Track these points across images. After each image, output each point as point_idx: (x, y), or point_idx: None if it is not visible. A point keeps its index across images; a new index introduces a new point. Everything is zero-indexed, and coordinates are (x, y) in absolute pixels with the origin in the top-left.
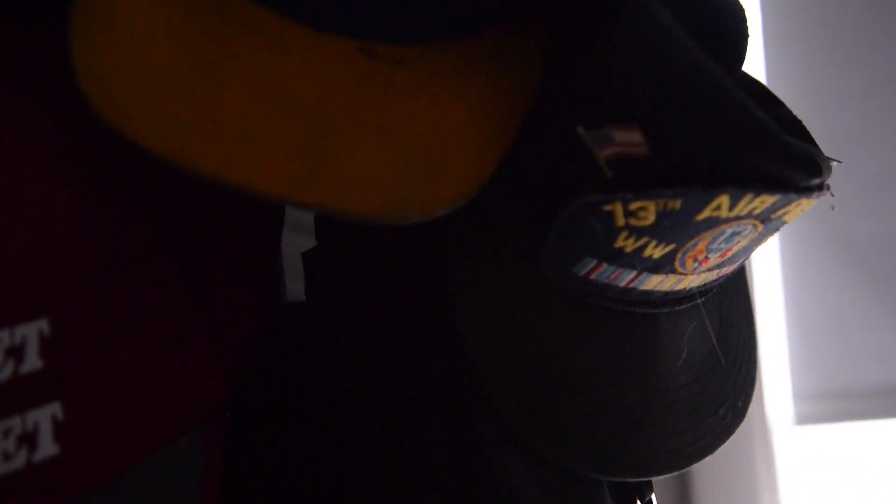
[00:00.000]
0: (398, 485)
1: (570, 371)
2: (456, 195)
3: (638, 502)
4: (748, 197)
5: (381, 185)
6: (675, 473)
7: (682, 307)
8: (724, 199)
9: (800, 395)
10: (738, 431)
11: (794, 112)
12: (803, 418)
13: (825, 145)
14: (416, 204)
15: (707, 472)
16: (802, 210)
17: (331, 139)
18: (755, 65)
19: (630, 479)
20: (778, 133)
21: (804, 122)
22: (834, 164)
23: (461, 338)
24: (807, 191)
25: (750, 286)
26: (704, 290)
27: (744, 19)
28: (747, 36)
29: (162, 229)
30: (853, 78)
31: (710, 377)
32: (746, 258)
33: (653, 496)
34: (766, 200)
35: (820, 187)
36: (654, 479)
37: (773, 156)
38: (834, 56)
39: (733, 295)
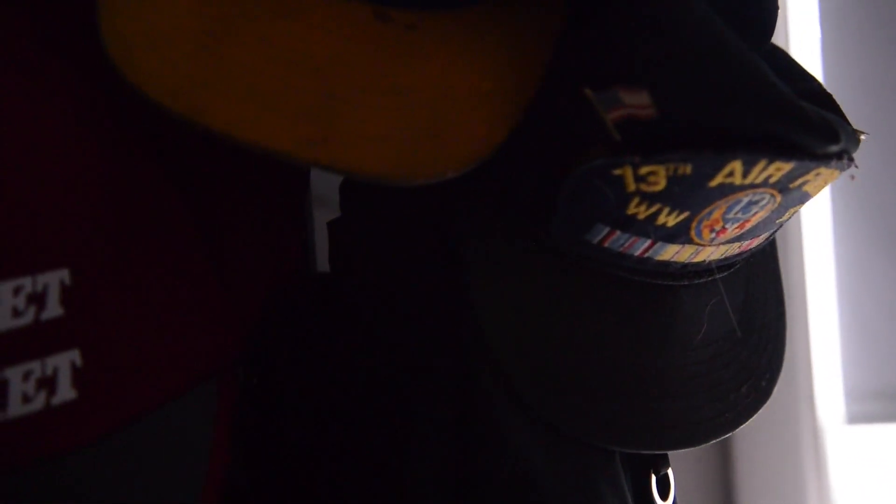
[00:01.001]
0: (401, 450)
1: (584, 340)
2: (466, 158)
3: (652, 476)
4: (762, 163)
5: (390, 145)
6: (691, 449)
7: (703, 281)
8: (736, 165)
9: (851, 394)
10: (786, 430)
11: (852, 110)
12: (855, 418)
13: (883, 138)
14: (425, 165)
15: (753, 471)
16: (826, 182)
17: (342, 100)
18: (812, 60)
19: (643, 452)
20: (792, 98)
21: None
22: (862, 136)
23: (473, 307)
24: (824, 158)
25: (803, 282)
26: (727, 265)
27: None
28: (776, 8)
29: (182, 188)
30: None
31: (732, 354)
32: (770, 232)
33: (669, 471)
34: (782, 168)
35: (839, 156)
36: (670, 452)
37: (786, 120)
38: (893, 48)
39: (762, 273)
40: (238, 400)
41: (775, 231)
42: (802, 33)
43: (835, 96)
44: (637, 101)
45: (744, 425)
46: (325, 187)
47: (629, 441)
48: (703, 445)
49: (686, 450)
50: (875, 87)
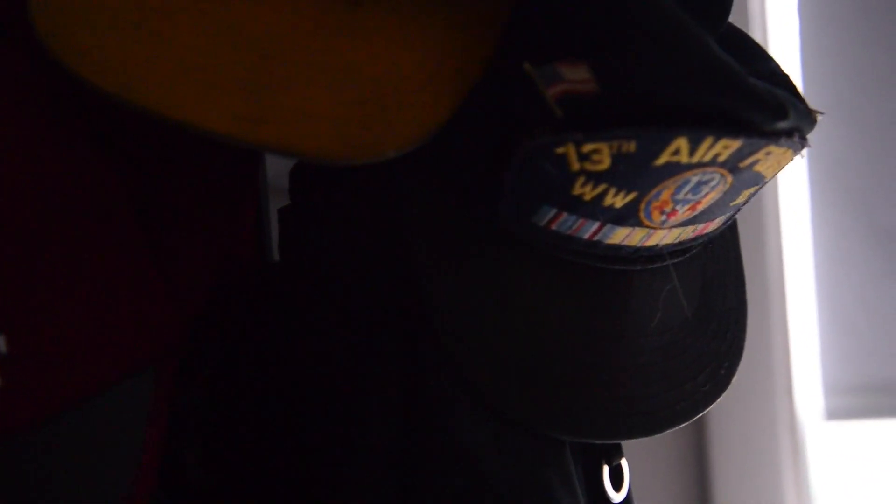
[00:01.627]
0: (347, 437)
1: (534, 326)
2: (408, 138)
3: (605, 466)
4: (708, 140)
5: (328, 125)
6: (647, 438)
7: (657, 266)
8: (681, 143)
9: (830, 389)
10: (764, 425)
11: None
12: (833, 413)
13: (863, 131)
14: (366, 145)
15: (730, 467)
16: (779, 163)
17: (280, 78)
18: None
19: (594, 441)
20: (739, 73)
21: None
22: (818, 116)
23: (422, 292)
24: (772, 136)
25: (781, 275)
26: (682, 250)
27: None
28: None
29: (121, 172)
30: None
31: (688, 341)
32: (726, 215)
33: (623, 461)
34: (730, 145)
35: (789, 133)
36: (623, 442)
37: (731, 95)
38: (871, 42)
39: (721, 259)
40: (188, 391)
41: (732, 215)
42: (781, 26)
43: (815, 90)
44: (578, 76)
45: (720, 425)
46: (284, 176)
47: (578, 429)
48: (662, 434)
49: (660, 445)
50: (855, 80)
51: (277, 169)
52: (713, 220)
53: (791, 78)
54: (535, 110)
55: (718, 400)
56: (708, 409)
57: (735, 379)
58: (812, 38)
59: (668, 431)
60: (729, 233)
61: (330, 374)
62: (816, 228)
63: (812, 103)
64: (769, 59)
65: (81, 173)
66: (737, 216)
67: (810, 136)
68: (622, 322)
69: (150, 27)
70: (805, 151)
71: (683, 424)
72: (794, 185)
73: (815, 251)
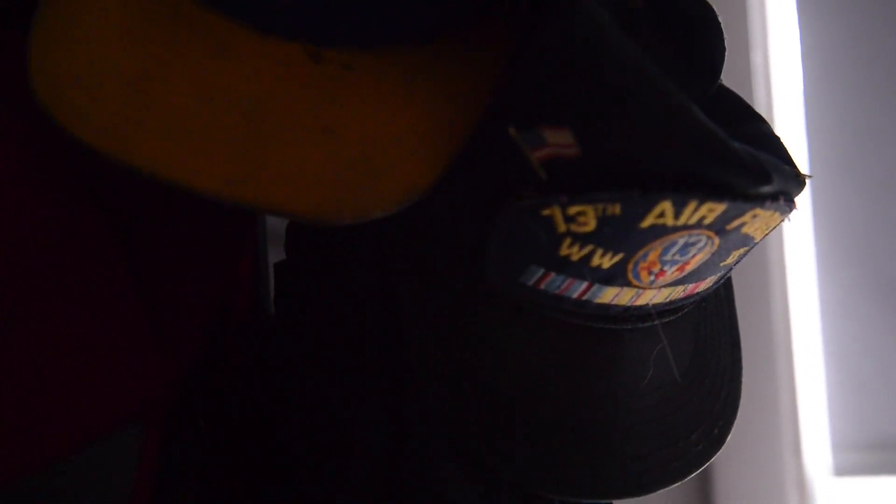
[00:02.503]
0: (331, 494)
1: (521, 384)
2: (395, 198)
3: None
4: (692, 204)
5: (316, 184)
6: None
7: (648, 325)
8: (666, 206)
9: (838, 445)
10: (771, 482)
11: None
12: (842, 470)
13: (869, 184)
14: (352, 205)
15: None
16: (768, 224)
17: (269, 139)
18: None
19: (583, 500)
20: (721, 137)
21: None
22: (807, 178)
23: (408, 350)
24: (757, 199)
25: (788, 330)
26: (673, 309)
27: (719, 33)
28: (723, 49)
29: (115, 230)
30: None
31: (681, 400)
32: (717, 275)
33: None
34: (715, 209)
35: (774, 197)
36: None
37: (713, 160)
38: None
39: (714, 317)
40: (182, 441)
41: (725, 274)
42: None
43: (820, 148)
44: (561, 140)
45: (727, 481)
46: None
47: (566, 488)
48: (668, 494)
49: (665, 502)
50: (861, 135)
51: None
52: (703, 279)
53: (781, 140)
54: (520, 173)
55: (716, 458)
56: (702, 469)
57: (742, 436)
58: (816, 92)
59: (661, 491)
60: (723, 290)
61: (316, 429)
62: (823, 283)
63: (817, 162)
64: (760, 121)
65: (72, 224)
66: (736, 271)
67: (813, 192)
68: (613, 381)
69: (147, 91)
70: (794, 213)
71: (677, 484)
72: (799, 239)
73: (822, 306)
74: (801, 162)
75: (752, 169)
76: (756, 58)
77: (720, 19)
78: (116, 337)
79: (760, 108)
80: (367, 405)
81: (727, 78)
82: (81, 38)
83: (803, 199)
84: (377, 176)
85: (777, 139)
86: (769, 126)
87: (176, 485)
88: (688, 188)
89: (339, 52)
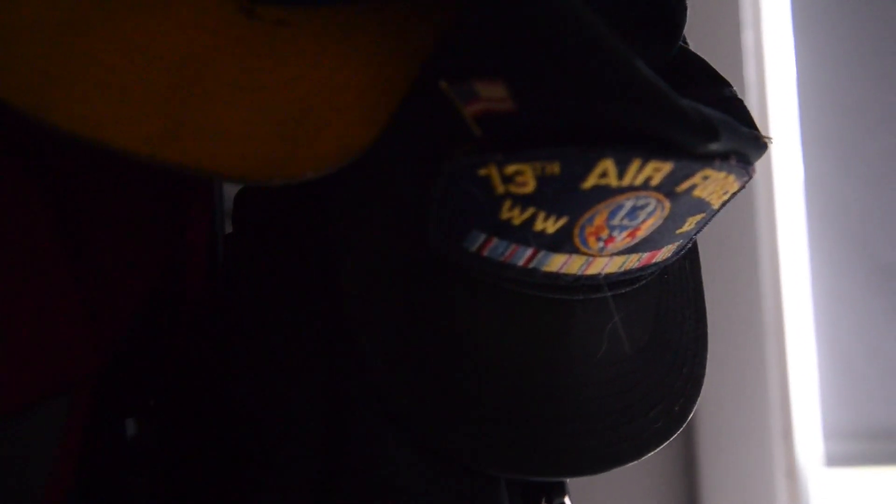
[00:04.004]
0: (267, 468)
1: (468, 355)
2: (328, 158)
3: None
4: (636, 162)
5: (246, 143)
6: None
7: (601, 296)
8: (608, 165)
9: (830, 434)
10: (761, 471)
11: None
12: (834, 459)
13: (861, 168)
14: (284, 165)
15: None
16: (723, 188)
17: (197, 97)
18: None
19: (530, 478)
20: (664, 91)
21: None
22: (769, 141)
23: (349, 319)
24: (705, 158)
25: (780, 315)
26: (630, 280)
27: None
28: (684, 9)
29: (44, 195)
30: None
31: (638, 375)
32: (676, 244)
33: (566, 499)
34: (661, 168)
35: (725, 156)
36: (567, 480)
37: (656, 114)
38: (872, 77)
39: (678, 292)
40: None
41: (685, 244)
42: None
43: (813, 129)
44: (494, 94)
45: (714, 470)
46: None
47: (512, 466)
48: (651, 482)
49: (650, 493)
50: (854, 119)
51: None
52: (659, 248)
53: (743, 104)
54: (455, 130)
55: (703, 446)
56: (660, 447)
57: (731, 424)
58: (810, 75)
59: (646, 481)
60: (689, 265)
61: (254, 413)
62: (815, 269)
63: (810, 148)
64: (724, 84)
65: (4, 199)
66: (727, 257)
67: (806, 177)
68: (563, 354)
69: (71, 47)
70: (753, 179)
71: (632, 462)
72: (792, 225)
73: (814, 291)
74: (794, 147)
75: (697, 124)
76: (747, 38)
77: None
78: (42, 304)
79: (752, 91)
80: (305, 379)
81: (717, 58)
82: None
83: (795, 184)
84: (309, 135)
85: (740, 102)
86: (733, 90)
87: (132, 466)
88: (629, 144)
89: (271, 8)
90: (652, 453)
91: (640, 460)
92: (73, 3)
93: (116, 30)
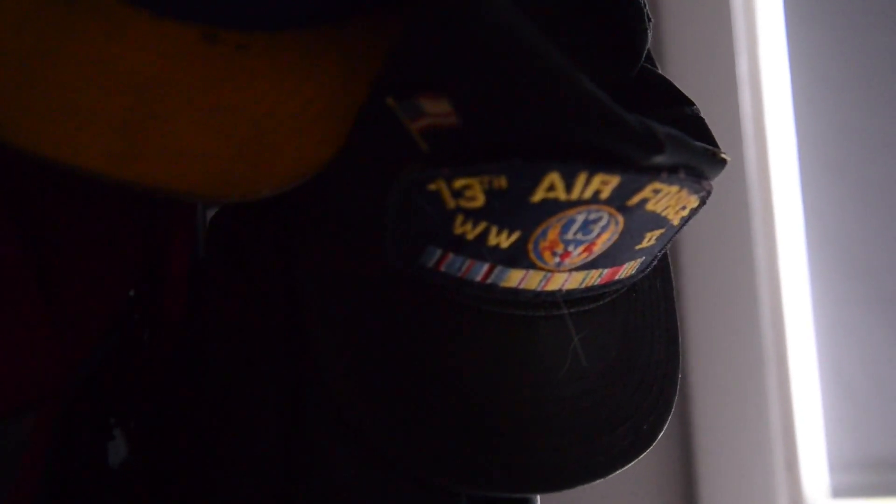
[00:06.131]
0: (222, 475)
1: (428, 372)
2: (284, 176)
3: None
4: (582, 175)
5: (203, 162)
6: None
7: (563, 312)
8: (554, 178)
9: (836, 466)
10: (766, 503)
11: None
12: (839, 491)
13: (862, 195)
14: (240, 183)
15: None
16: (678, 203)
17: (156, 118)
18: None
19: (491, 494)
20: (604, 103)
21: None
22: (724, 157)
23: (308, 332)
24: (650, 171)
25: (782, 342)
26: (593, 297)
27: (639, 15)
28: (643, 31)
29: (14, 217)
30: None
31: (604, 393)
32: (640, 260)
33: None
34: (609, 181)
35: (673, 170)
36: (535, 495)
37: (597, 126)
38: (871, 105)
39: (648, 311)
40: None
41: (650, 262)
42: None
43: (812, 158)
44: (439, 110)
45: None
46: None
47: (478, 481)
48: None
49: None
50: (854, 146)
51: None
52: (620, 264)
53: (705, 122)
54: (405, 146)
55: (704, 476)
56: (627, 466)
57: (733, 455)
58: (806, 101)
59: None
60: (660, 284)
61: (211, 413)
62: (816, 295)
63: (807, 170)
64: (686, 104)
65: None
66: (726, 282)
67: (804, 201)
68: (526, 370)
69: (35, 71)
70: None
71: (597, 480)
72: (792, 250)
73: (816, 318)
74: (791, 170)
75: (641, 137)
76: (742, 65)
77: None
78: (7, 318)
79: (747, 116)
80: (261, 394)
81: (711, 85)
82: None
83: (794, 209)
84: (266, 154)
85: (701, 120)
86: (696, 109)
87: (113, 487)
88: (573, 157)
89: (233, 33)
90: (619, 471)
91: (608, 477)
92: (39, 30)
93: (80, 55)
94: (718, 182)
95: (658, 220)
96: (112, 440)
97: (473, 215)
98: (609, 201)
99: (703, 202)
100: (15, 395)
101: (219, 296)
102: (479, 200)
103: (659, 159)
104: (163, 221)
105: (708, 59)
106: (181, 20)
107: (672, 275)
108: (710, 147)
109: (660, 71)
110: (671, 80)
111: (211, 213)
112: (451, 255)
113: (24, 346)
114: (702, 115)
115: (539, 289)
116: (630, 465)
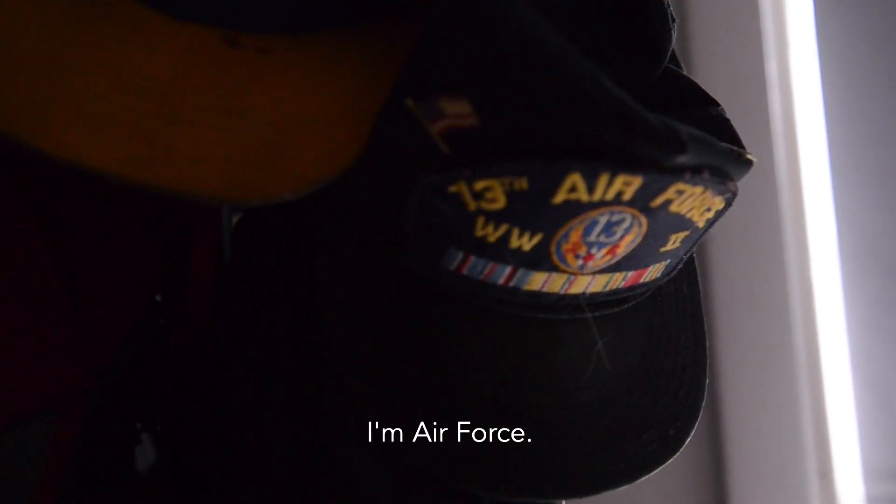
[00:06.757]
0: (241, 485)
1: (449, 376)
2: (304, 180)
3: None
4: (605, 176)
5: (222, 165)
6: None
7: (587, 316)
8: (576, 179)
9: (871, 474)
10: None
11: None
12: (875, 500)
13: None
14: (260, 186)
15: None
16: (703, 205)
17: (177, 122)
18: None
19: (514, 499)
20: (626, 103)
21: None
22: (750, 158)
23: (328, 338)
24: (673, 172)
25: (815, 347)
26: (618, 300)
27: (663, 16)
28: (667, 31)
29: (37, 212)
30: None
31: (629, 398)
32: (665, 263)
33: None
34: (631, 182)
35: (696, 170)
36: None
37: (618, 126)
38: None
39: (674, 315)
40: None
41: (676, 264)
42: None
43: (844, 162)
44: (458, 110)
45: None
46: None
47: (500, 486)
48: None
49: None
50: (889, 147)
51: None
52: (644, 267)
53: (730, 123)
54: (425, 148)
55: (736, 485)
56: (652, 473)
57: (764, 463)
58: (837, 102)
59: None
60: (686, 288)
61: (233, 425)
62: (849, 298)
63: (842, 173)
64: (711, 105)
65: None
66: (757, 287)
67: (836, 204)
68: (549, 374)
69: (58, 75)
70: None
71: (621, 486)
72: (824, 252)
73: (849, 325)
74: (823, 172)
75: (663, 137)
76: (771, 66)
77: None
78: (30, 319)
79: (777, 118)
80: (283, 397)
81: (741, 87)
82: (5, 26)
83: (826, 211)
84: (287, 157)
85: (726, 121)
86: (721, 109)
87: (142, 491)
88: (594, 158)
89: (254, 37)
90: (645, 477)
91: (633, 483)
92: (61, 35)
93: (103, 60)
94: (748, 184)
95: (682, 222)
96: (139, 444)
97: (495, 217)
98: (632, 203)
99: (728, 204)
100: (38, 397)
101: (242, 299)
102: (501, 202)
103: (682, 159)
104: (187, 226)
105: (737, 60)
106: (202, 24)
107: (699, 278)
108: (735, 147)
109: (685, 72)
110: (699, 82)
111: (237, 218)
112: (472, 258)
113: (49, 348)
114: (727, 115)
115: (562, 292)
116: (656, 471)
